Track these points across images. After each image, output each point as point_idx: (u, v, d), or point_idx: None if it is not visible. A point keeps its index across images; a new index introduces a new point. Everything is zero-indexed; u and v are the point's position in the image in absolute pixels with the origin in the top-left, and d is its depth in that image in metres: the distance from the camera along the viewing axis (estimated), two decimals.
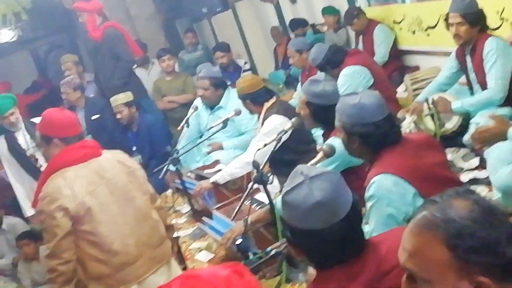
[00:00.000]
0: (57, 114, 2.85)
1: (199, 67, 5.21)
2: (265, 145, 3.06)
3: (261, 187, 3.27)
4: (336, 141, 2.59)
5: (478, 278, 1.11)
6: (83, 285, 2.83)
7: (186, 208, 4.24)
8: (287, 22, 7.47)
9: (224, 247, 3.11)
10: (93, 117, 5.27)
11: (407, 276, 1.21)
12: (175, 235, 3.82)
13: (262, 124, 3.79)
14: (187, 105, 5.51)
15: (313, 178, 1.61)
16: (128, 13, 7.12)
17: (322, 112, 2.96)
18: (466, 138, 3.47)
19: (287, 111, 3.75)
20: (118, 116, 4.94)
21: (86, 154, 2.77)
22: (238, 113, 3.89)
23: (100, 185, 2.73)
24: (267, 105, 3.82)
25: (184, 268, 3.58)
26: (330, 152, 2.56)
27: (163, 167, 3.77)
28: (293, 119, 3.09)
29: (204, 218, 3.50)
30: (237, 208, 2.85)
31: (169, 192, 4.69)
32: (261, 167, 2.79)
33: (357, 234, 1.63)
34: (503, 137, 2.70)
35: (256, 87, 3.87)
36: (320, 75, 3.16)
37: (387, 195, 2.14)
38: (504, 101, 3.44)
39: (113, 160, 2.86)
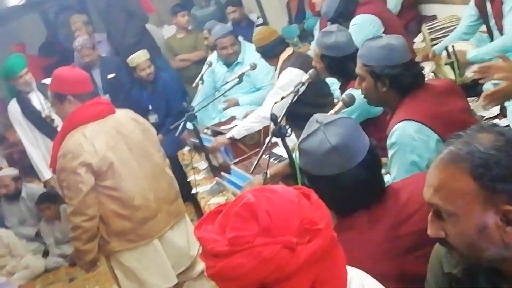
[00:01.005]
0: (68, 72, 2.85)
1: (207, 25, 5.13)
2: (282, 98, 3.03)
3: (279, 140, 3.27)
4: (355, 91, 2.55)
5: (504, 207, 1.12)
6: (104, 242, 2.87)
7: (203, 164, 4.24)
8: None
9: None
10: (109, 76, 5.24)
11: (433, 213, 1.22)
12: (193, 191, 3.87)
13: (278, 77, 3.74)
14: (200, 62, 5.45)
15: (328, 124, 1.60)
16: None
17: (338, 64, 2.92)
18: (486, 86, 3.41)
19: (303, 63, 3.70)
20: (147, 71, 4.90)
21: (102, 111, 2.77)
22: (253, 67, 3.83)
23: (119, 140, 2.75)
24: (283, 57, 3.77)
25: None
26: (349, 102, 2.53)
27: (179, 125, 3.76)
28: (310, 71, 3.04)
29: (223, 173, 3.51)
30: (256, 162, 2.84)
31: (186, 149, 4.69)
32: (279, 120, 2.77)
33: (375, 179, 1.63)
34: None
35: (270, 38, 3.83)
36: (332, 26, 3.08)
37: (410, 141, 2.12)
38: None
39: (127, 117, 2.87)
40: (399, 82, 2.22)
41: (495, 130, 1.19)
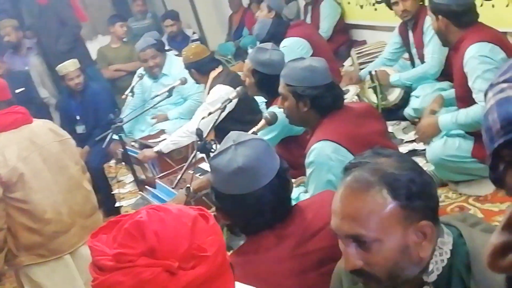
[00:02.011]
0: None
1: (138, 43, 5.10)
2: (210, 113, 3.04)
3: (204, 156, 3.29)
4: (277, 109, 2.60)
5: (421, 223, 1.16)
6: (12, 255, 2.77)
7: (129, 178, 4.19)
8: None
9: None
10: (17, 91, 5.07)
11: (351, 244, 1.19)
12: (117, 204, 3.80)
13: (208, 93, 3.76)
14: (134, 73, 5.40)
15: (239, 144, 1.60)
16: None
17: (267, 81, 2.96)
18: (407, 111, 3.56)
19: (233, 81, 3.73)
20: (76, 81, 4.78)
21: (16, 120, 2.69)
22: (184, 82, 3.85)
23: (33, 151, 2.67)
24: (213, 74, 3.79)
25: None
26: (272, 120, 2.57)
27: (105, 136, 3.69)
28: (238, 88, 3.07)
29: (148, 187, 3.47)
30: (179, 176, 2.83)
31: (112, 162, 4.61)
32: (204, 136, 2.78)
33: (280, 202, 1.62)
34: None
35: (200, 56, 3.83)
36: (267, 44, 3.14)
37: (327, 161, 2.17)
38: (443, 75, 3.53)
39: (44, 128, 2.80)
40: (319, 103, 2.29)
41: (391, 154, 1.24)
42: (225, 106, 3.02)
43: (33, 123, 2.76)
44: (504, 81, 0.65)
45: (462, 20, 2.60)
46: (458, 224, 1.27)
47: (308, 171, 2.25)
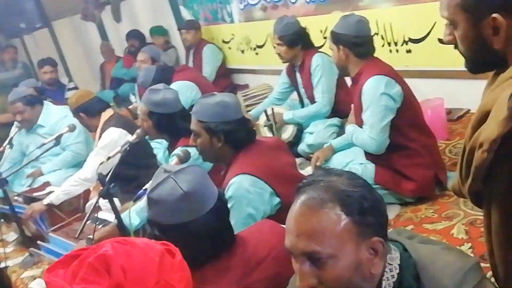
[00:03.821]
0: None
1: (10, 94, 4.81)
2: (109, 158, 2.91)
3: (104, 203, 3.12)
4: (189, 148, 2.56)
5: (372, 239, 1.17)
6: None
7: (12, 236, 3.86)
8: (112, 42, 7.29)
9: None
10: None
11: (303, 263, 1.19)
12: (2, 265, 3.46)
13: (100, 137, 3.60)
14: (8, 125, 5.05)
15: (177, 172, 1.58)
16: None
17: (166, 120, 2.91)
18: (301, 147, 3.68)
19: (126, 124, 3.63)
20: None
21: None
22: (72, 128, 3.65)
23: None
24: (104, 118, 3.65)
25: None
26: (185, 157, 2.52)
27: None
28: (138, 130, 2.99)
29: (40, 243, 3.21)
30: (82, 225, 2.65)
31: None
32: (107, 180, 2.64)
33: (225, 225, 1.62)
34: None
35: (85, 98, 3.67)
36: (159, 85, 3.09)
37: (246, 195, 2.16)
38: (332, 112, 3.71)
39: None
40: (233, 138, 2.29)
41: (342, 173, 1.25)
42: (125, 149, 2.90)
43: None
44: None
45: (361, 51, 2.77)
46: (399, 238, 1.31)
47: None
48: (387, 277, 1.22)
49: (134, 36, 6.66)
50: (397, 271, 1.22)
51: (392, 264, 1.23)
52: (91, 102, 3.67)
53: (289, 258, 1.24)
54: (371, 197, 1.20)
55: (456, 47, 1.32)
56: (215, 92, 2.43)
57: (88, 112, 3.64)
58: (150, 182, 2.38)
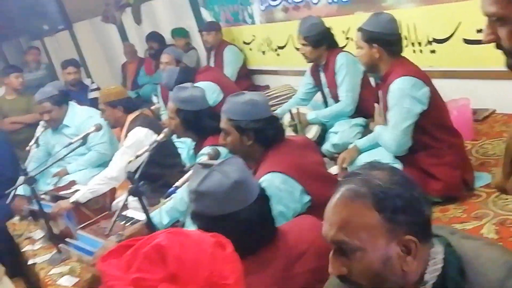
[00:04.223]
0: None
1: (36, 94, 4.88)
2: (137, 156, 2.95)
3: (131, 202, 3.15)
4: (219, 147, 2.58)
5: (405, 237, 1.19)
6: None
7: (38, 233, 3.91)
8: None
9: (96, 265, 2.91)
10: None
11: (335, 251, 1.24)
12: (30, 261, 3.51)
13: (126, 136, 3.65)
14: (32, 125, 5.12)
15: (221, 165, 1.61)
16: None
17: (193, 117, 2.94)
18: (325, 147, 3.69)
19: (151, 124, 3.68)
20: None
21: None
22: (99, 128, 3.70)
23: None
24: (130, 118, 3.69)
25: None
26: (215, 156, 2.54)
27: (10, 192, 3.44)
28: (166, 129, 3.03)
29: (68, 240, 3.25)
30: (112, 222, 2.68)
31: (16, 219, 4.28)
32: (136, 177, 2.68)
33: (269, 217, 1.65)
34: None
35: (124, 94, 3.76)
36: (186, 83, 3.13)
37: (277, 192, 2.18)
38: (357, 111, 3.72)
39: None
40: (263, 135, 2.31)
41: (387, 167, 1.28)
42: (153, 148, 2.94)
43: None
44: None
45: (393, 50, 2.77)
46: (443, 233, 1.32)
47: None
48: (429, 271, 1.23)
49: (153, 38, 6.71)
50: (441, 264, 1.23)
51: (435, 258, 1.24)
52: (129, 99, 3.75)
53: (329, 252, 1.26)
54: (408, 195, 1.21)
55: (498, 46, 1.29)
56: (244, 91, 2.45)
57: (128, 107, 3.70)
58: (181, 179, 2.43)
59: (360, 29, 2.84)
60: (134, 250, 1.00)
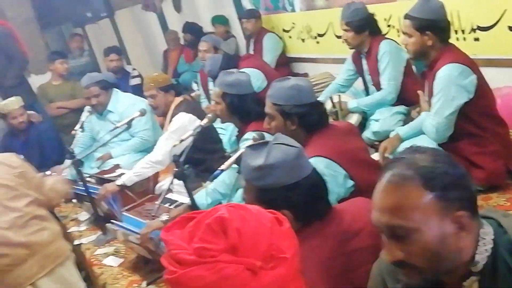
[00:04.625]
0: None
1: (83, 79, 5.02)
2: (182, 141, 3.03)
3: (175, 187, 3.24)
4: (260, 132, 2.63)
5: (457, 213, 1.20)
6: None
7: (83, 215, 4.04)
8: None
9: (142, 242, 3.00)
10: None
11: (389, 237, 1.24)
12: (76, 242, 3.64)
13: (170, 122, 3.73)
14: (77, 110, 5.27)
15: (275, 140, 1.69)
16: (3, 15, 6.66)
17: (238, 102, 2.98)
18: (366, 134, 3.69)
19: (195, 109, 3.75)
20: (20, 119, 4.59)
21: None
22: (143, 113, 3.79)
23: None
24: (175, 103, 3.77)
25: (87, 274, 3.42)
26: (260, 140, 2.59)
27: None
28: (209, 114, 3.09)
29: (114, 221, 3.35)
30: (158, 203, 2.77)
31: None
32: (181, 160, 2.75)
33: (326, 188, 1.75)
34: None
35: (171, 80, 3.89)
36: (232, 69, 3.18)
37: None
38: (399, 99, 3.71)
39: None
40: (306, 121, 2.35)
41: (429, 149, 1.30)
42: (197, 132, 3.01)
43: None
44: None
45: (445, 36, 2.76)
46: (495, 215, 1.33)
47: None
48: (480, 251, 1.24)
49: (188, 29, 6.77)
50: (491, 245, 1.25)
51: (485, 239, 1.25)
52: (176, 85, 3.86)
53: None
54: (454, 172, 1.23)
55: None
56: (289, 76, 2.49)
57: (176, 91, 3.85)
58: (227, 162, 2.48)
59: (410, 17, 2.79)
60: (197, 221, 1.05)
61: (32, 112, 4.95)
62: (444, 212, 1.20)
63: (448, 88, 2.68)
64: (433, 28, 2.72)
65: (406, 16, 2.82)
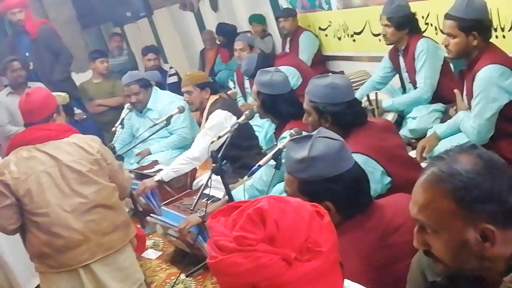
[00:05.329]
0: (22, 103, 2.84)
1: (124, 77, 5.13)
2: (219, 137, 3.08)
3: (212, 182, 3.29)
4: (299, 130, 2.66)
5: (483, 225, 1.20)
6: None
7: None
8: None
9: (180, 236, 3.07)
10: None
11: (418, 227, 1.30)
12: None
13: (207, 119, 3.80)
14: (117, 108, 5.40)
15: (319, 132, 1.72)
16: (46, 15, 6.86)
17: (270, 101, 3.02)
18: (403, 132, 3.68)
19: (230, 106, 3.81)
20: None
21: (43, 136, 2.72)
22: (182, 110, 3.87)
23: (51, 167, 2.65)
24: (210, 100, 3.84)
25: None
26: (297, 136, 2.62)
27: None
28: (247, 111, 3.14)
29: (153, 215, 3.44)
30: (197, 198, 2.84)
31: None
32: (219, 156, 2.80)
33: (367, 181, 1.77)
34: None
35: (208, 78, 4.01)
36: (271, 68, 3.22)
37: None
38: (435, 98, 3.68)
39: (74, 145, 2.75)
40: (340, 119, 2.38)
41: (475, 152, 1.27)
42: (234, 129, 3.06)
43: (64, 140, 2.73)
44: None
45: (489, 36, 2.73)
46: None
47: None
48: None
49: (221, 31, 6.80)
50: None
51: None
52: (213, 83, 3.95)
53: None
54: (490, 185, 1.20)
55: None
56: (328, 74, 2.51)
57: (213, 88, 3.95)
58: (264, 159, 2.52)
59: (453, 17, 2.75)
60: (241, 210, 1.09)
61: (79, 111, 5.10)
62: (468, 221, 1.21)
63: (489, 90, 2.66)
64: (479, 28, 2.69)
65: (449, 17, 2.78)
